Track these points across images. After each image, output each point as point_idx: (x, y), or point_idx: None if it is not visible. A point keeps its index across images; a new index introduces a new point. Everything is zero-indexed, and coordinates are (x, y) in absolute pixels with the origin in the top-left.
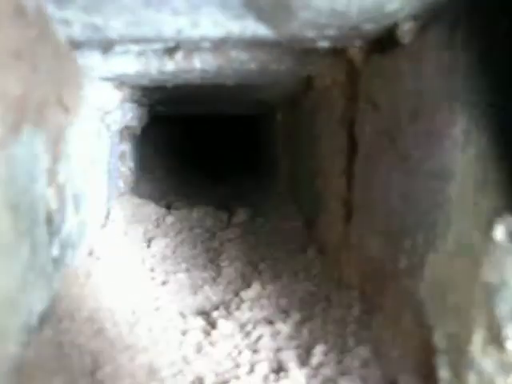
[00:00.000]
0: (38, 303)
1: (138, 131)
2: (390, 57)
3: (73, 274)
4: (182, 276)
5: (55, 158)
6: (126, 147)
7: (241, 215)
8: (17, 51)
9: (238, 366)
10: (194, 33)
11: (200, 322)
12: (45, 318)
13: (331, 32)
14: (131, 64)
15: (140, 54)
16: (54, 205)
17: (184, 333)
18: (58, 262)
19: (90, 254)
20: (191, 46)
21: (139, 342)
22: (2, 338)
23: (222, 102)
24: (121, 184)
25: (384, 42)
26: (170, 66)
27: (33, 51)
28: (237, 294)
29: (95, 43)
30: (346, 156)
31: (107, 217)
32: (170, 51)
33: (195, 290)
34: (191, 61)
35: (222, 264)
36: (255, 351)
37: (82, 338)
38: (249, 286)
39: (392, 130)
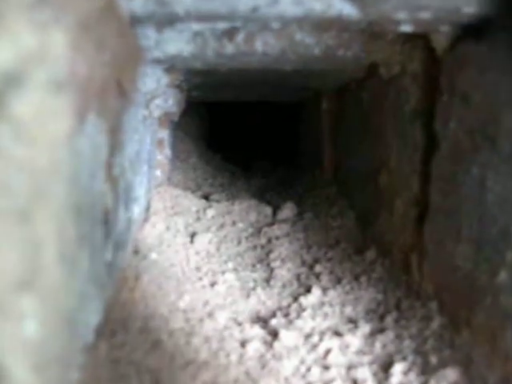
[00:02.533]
0: (94, 317)
1: (176, 118)
2: (487, 44)
3: (121, 276)
4: (230, 277)
5: (112, 150)
6: (164, 135)
7: (287, 210)
8: (85, 23)
9: None
10: (271, 11)
11: (258, 330)
12: (99, 331)
13: (425, 15)
14: (187, 45)
15: (197, 34)
16: (110, 202)
17: (243, 344)
18: (111, 266)
19: (136, 252)
20: (255, 28)
21: (198, 356)
22: (65, 366)
23: (262, 88)
24: (158, 174)
25: (481, 26)
26: (230, 48)
27: (98, 25)
28: (295, 300)
29: (155, 20)
30: (421, 153)
31: (148, 210)
32: (231, 32)
33: (247, 292)
34: (253, 44)
35: (273, 264)
36: (325, 367)
37: (139, 353)
38: (308, 290)
39: (489, 127)
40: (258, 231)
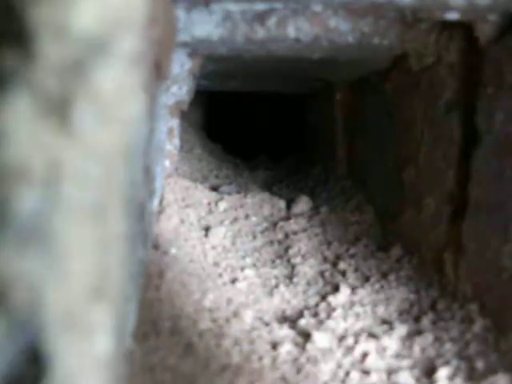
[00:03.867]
0: (131, 319)
1: (186, 107)
2: None
3: (146, 274)
4: (250, 273)
5: (149, 137)
6: (174, 124)
7: (302, 204)
8: None
9: None
10: None
11: (287, 331)
12: (133, 335)
13: (483, 1)
14: (216, 28)
15: (227, 17)
16: (145, 194)
17: (274, 346)
18: (142, 263)
19: (156, 247)
20: (290, 11)
21: (231, 360)
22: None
23: (272, 79)
24: (167, 164)
25: None
26: (260, 33)
27: None
28: (323, 298)
29: None
30: (459, 147)
31: (161, 202)
32: (262, 16)
33: (269, 290)
34: (285, 29)
35: (294, 260)
36: (364, 372)
37: (173, 357)
38: (335, 289)
39: None
40: (273, 225)
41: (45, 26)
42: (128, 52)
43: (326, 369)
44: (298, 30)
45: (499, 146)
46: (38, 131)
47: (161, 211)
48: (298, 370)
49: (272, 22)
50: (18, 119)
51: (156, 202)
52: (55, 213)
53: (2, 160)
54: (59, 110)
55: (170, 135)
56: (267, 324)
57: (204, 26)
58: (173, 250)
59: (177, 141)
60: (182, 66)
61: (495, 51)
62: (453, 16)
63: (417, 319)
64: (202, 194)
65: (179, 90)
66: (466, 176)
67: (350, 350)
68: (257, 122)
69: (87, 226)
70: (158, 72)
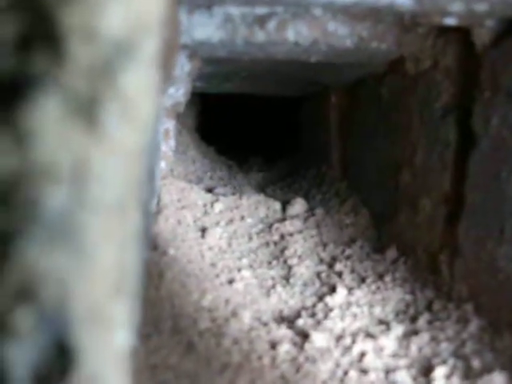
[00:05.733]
0: (136, 318)
1: (182, 108)
2: None
3: (147, 273)
4: (247, 274)
5: (153, 137)
6: (170, 125)
7: (297, 206)
8: None
9: None
10: None
11: (285, 331)
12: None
13: (481, 7)
14: (216, 31)
15: (227, 20)
16: (148, 194)
17: (273, 345)
18: (143, 263)
19: (155, 248)
20: (289, 15)
21: (231, 359)
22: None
23: (268, 82)
24: (163, 165)
25: None
26: (260, 36)
27: None
28: (320, 299)
29: (195, 1)
30: (455, 150)
31: (158, 203)
32: (262, 20)
33: (266, 291)
34: (284, 32)
35: (290, 262)
36: (363, 371)
37: (174, 357)
38: (332, 289)
39: None
40: (269, 227)
41: (75, 29)
42: (150, 54)
43: (325, 368)
44: (297, 34)
45: (495, 149)
46: (66, 131)
47: (158, 212)
48: (297, 370)
49: (272, 25)
50: (47, 119)
51: (154, 202)
52: (82, 210)
53: (32, 159)
54: (87, 110)
55: (165, 137)
56: (265, 324)
57: (204, 29)
58: (171, 251)
59: (172, 142)
60: (181, 68)
61: (491, 56)
62: (451, 21)
63: (413, 319)
64: (198, 196)
65: (176, 92)
66: (462, 178)
67: (347, 349)
68: (251, 125)
69: (111, 223)
70: (164, 74)
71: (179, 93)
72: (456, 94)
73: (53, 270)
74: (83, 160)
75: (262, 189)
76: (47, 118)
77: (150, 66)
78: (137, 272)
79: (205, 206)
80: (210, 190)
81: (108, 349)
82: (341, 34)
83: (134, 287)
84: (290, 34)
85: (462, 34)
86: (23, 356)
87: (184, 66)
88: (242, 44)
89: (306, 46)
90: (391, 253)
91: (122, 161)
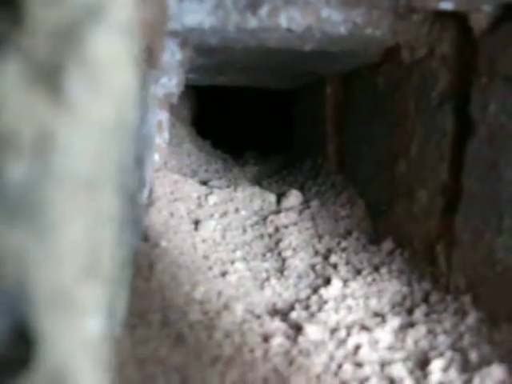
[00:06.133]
0: (121, 307)
1: (175, 100)
2: None
3: (136, 264)
4: (240, 266)
5: (139, 123)
6: (163, 117)
7: (292, 198)
8: None
9: (344, 383)
10: None
11: (278, 324)
12: (122, 325)
13: None
14: (208, 17)
15: (218, 5)
16: (136, 183)
17: (266, 338)
18: (133, 252)
19: (146, 239)
20: (281, 1)
21: (222, 352)
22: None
23: (261, 74)
24: (156, 158)
25: None
26: (252, 22)
27: None
28: (314, 291)
29: None
30: (452, 138)
31: (150, 195)
32: (254, 5)
33: (260, 283)
34: (277, 18)
35: (284, 254)
36: (357, 364)
37: (163, 349)
38: (327, 281)
39: None
40: (264, 219)
41: None
42: (121, 20)
43: (319, 361)
44: (290, 20)
45: (493, 137)
46: (27, 99)
47: (150, 204)
48: (290, 363)
49: (264, 11)
50: (6, 86)
51: (146, 194)
52: (45, 184)
53: None
54: (50, 76)
55: (159, 128)
56: (258, 317)
57: (195, 15)
58: (163, 243)
59: (166, 134)
60: (172, 56)
61: (489, 42)
62: (447, 6)
63: (409, 312)
64: (192, 188)
65: (169, 81)
66: (459, 167)
67: (342, 342)
68: (246, 118)
69: (78, 200)
70: (150, 57)
71: (172, 83)
72: (453, 82)
73: (12, 248)
74: (46, 130)
75: (257, 182)
76: (6, 84)
77: (123, 34)
78: (113, 257)
79: (199, 198)
80: (204, 183)
81: (77, 337)
82: (334, 20)
83: (110, 272)
84: (283, 20)
85: (458, 20)
86: None
87: (175, 54)
88: (233, 30)
89: (299, 33)
90: (387, 244)
91: (91, 134)
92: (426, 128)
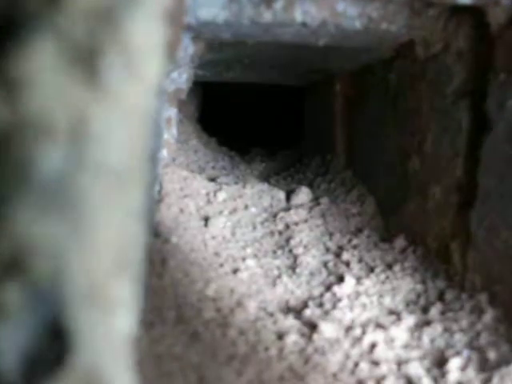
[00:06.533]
0: (139, 305)
1: (184, 96)
2: None
3: (149, 260)
4: (251, 263)
5: (157, 117)
6: (172, 113)
7: (302, 195)
8: None
9: (360, 382)
10: None
11: (292, 321)
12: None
13: None
14: (222, 10)
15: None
16: (151, 176)
17: (280, 336)
18: (146, 246)
19: (157, 235)
20: None
21: (238, 350)
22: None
23: (273, 70)
24: (165, 154)
25: None
26: (267, 16)
27: None
28: (327, 289)
29: None
30: (468, 135)
31: (160, 191)
32: None
33: (272, 280)
34: (292, 12)
35: (296, 251)
36: (374, 363)
37: (180, 347)
38: (340, 279)
39: None
40: (273, 216)
41: None
42: (158, 7)
43: (334, 360)
44: (305, 14)
45: (511, 133)
46: (63, 81)
47: (160, 200)
48: (306, 361)
49: (279, 5)
50: (41, 68)
51: (156, 189)
52: (80, 174)
53: (24, 113)
54: (87, 59)
55: (167, 124)
56: (271, 314)
57: (209, 9)
58: (174, 239)
59: (174, 130)
60: (185, 50)
61: (507, 36)
62: (465, 0)
63: (424, 310)
64: (201, 185)
65: (179, 77)
66: (475, 164)
67: (357, 340)
68: (253, 115)
69: (112, 192)
70: (169, 51)
71: (182, 78)
72: (468, 78)
73: (47, 240)
74: (82, 116)
75: (264, 179)
76: (42, 66)
77: (158, 21)
78: (140, 252)
79: (207, 194)
80: (212, 180)
81: (109, 334)
82: (350, 14)
83: (137, 268)
84: (298, 14)
85: (474, 15)
86: (11, 339)
87: (188, 48)
88: (247, 24)
89: (314, 27)
90: (399, 242)
91: (126, 123)
92: (440, 125)
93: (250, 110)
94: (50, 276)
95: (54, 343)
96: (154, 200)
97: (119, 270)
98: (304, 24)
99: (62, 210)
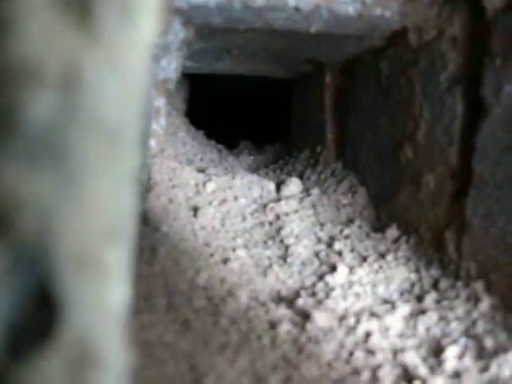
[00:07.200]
0: (128, 289)
1: (173, 86)
2: None
3: (138, 247)
4: (241, 253)
5: (144, 101)
6: (161, 103)
7: (292, 186)
8: None
9: (355, 371)
10: None
11: (284, 311)
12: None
13: None
14: None
15: None
16: (140, 157)
17: (272, 325)
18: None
19: (145, 223)
20: None
21: (230, 339)
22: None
23: (262, 60)
24: (153, 144)
25: None
26: (260, 0)
27: None
28: (320, 278)
29: None
30: (462, 122)
31: (148, 180)
32: None
33: (263, 270)
34: None
35: (287, 241)
36: (369, 352)
37: (170, 335)
38: (332, 269)
39: None
40: (263, 207)
41: None
42: None
43: (329, 349)
44: None
45: (507, 118)
46: (55, 24)
47: (149, 190)
48: (300, 350)
49: None
50: (30, 6)
51: (144, 178)
52: (70, 126)
53: (10, 56)
54: (80, 0)
55: (156, 115)
56: (263, 304)
57: None
58: (163, 228)
59: (163, 121)
60: (176, 35)
61: (503, 21)
62: None
63: (419, 299)
64: (190, 175)
65: (168, 65)
66: (470, 151)
67: (352, 329)
68: (241, 108)
69: (105, 149)
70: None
71: (171, 67)
72: (463, 64)
73: (34, 196)
74: (74, 63)
75: (253, 171)
76: (31, 4)
77: None
78: (132, 218)
79: (197, 185)
80: (201, 171)
81: (100, 303)
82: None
83: (130, 235)
84: None
85: (469, 1)
86: None
87: (178, 33)
88: (239, 9)
89: (307, 12)
90: (392, 232)
91: (121, 75)
92: (433, 112)
93: (239, 103)
94: (37, 235)
95: (40, 311)
96: (143, 183)
97: (112, 237)
98: (297, 8)
99: (51, 164)
